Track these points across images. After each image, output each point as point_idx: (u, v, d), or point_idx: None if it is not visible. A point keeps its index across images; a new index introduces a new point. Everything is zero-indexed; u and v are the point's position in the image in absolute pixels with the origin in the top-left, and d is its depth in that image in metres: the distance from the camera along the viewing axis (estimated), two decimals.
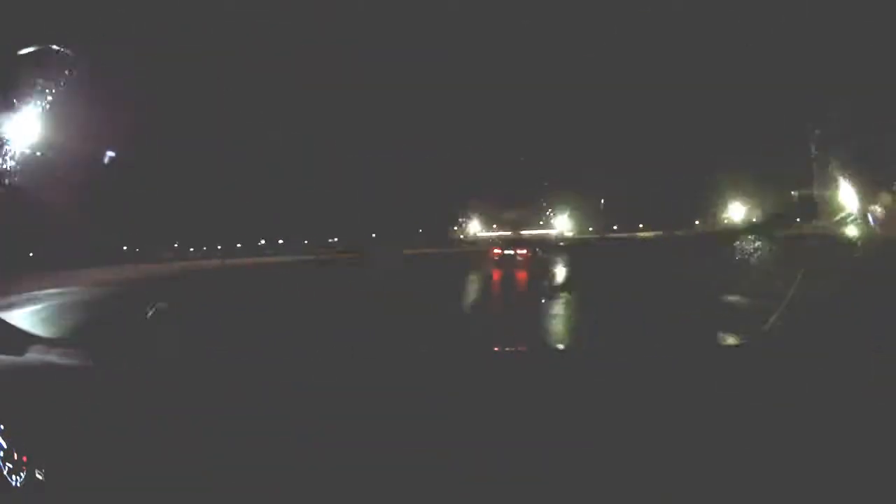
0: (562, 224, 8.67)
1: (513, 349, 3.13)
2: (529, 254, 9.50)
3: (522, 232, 9.30)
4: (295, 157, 8.12)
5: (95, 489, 1.73)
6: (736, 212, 7.78)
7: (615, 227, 9.87)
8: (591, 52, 7.34)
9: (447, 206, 9.50)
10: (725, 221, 7.94)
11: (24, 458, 1.66)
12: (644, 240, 9.82)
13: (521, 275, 9.23)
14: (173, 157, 7.28)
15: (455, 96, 8.12)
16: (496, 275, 9.27)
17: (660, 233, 9.94)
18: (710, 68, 7.30)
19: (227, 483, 1.74)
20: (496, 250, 9.86)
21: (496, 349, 2.98)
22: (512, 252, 9.60)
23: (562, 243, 8.73)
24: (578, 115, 7.98)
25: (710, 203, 8.17)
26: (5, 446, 1.65)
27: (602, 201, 8.65)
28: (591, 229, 9.00)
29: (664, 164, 7.94)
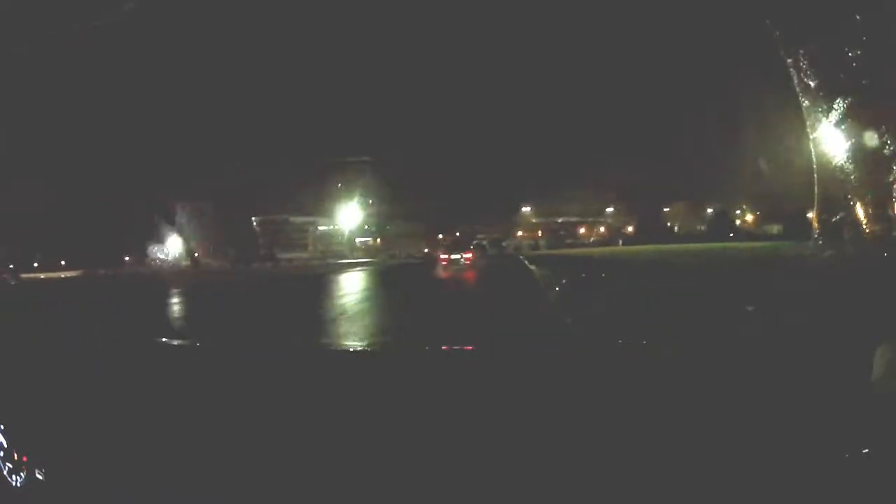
0: None
1: None
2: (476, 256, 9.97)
3: None
4: None
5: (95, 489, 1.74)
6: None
7: (12, 266, 9.11)
8: None
9: None
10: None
11: (24, 458, 1.66)
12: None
13: None
14: None
15: None
16: None
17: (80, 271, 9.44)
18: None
19: (221, 484, 1.76)
20: (443, 255, 10.40)
21: None
22: (458, 256, 9.95)
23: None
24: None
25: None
26: (6, 446, 1.64)
27: None
28: None
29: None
